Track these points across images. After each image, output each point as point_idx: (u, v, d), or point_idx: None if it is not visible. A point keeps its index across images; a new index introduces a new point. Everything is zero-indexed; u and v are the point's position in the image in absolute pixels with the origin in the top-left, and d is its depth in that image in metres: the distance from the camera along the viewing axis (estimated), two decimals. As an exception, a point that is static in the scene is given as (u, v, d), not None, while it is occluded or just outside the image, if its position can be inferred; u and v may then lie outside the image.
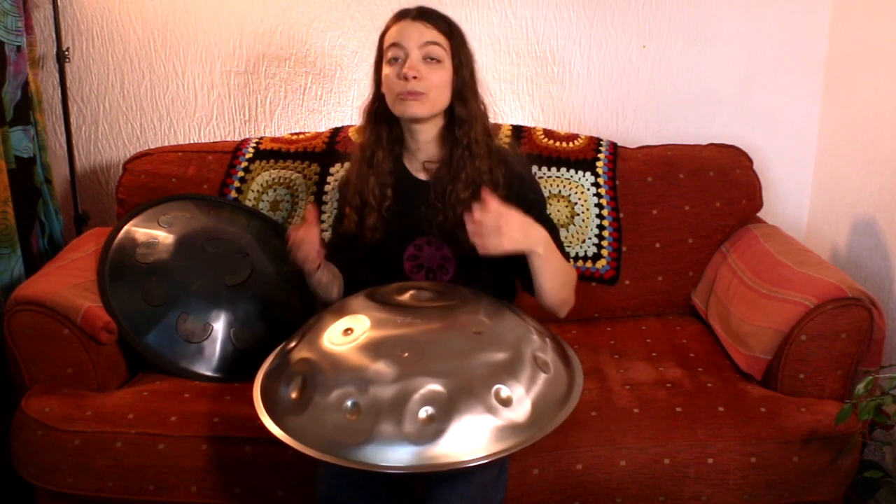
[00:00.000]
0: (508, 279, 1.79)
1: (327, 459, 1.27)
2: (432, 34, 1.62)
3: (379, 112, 1.71)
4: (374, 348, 1.35)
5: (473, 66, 1.69)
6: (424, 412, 1.27)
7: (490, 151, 1.68)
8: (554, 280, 1.58)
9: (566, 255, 1.72)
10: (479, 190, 1.61)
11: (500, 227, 1.43)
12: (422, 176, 1.73)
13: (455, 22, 1.69)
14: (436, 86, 1.62)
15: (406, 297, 1.52)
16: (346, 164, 2.02)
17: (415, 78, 1.59)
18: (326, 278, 1.71)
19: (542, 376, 1.38)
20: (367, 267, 1.79)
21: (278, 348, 1.55)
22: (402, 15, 1.66)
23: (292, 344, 1.48)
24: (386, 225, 1.72)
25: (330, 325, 1.44)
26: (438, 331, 1.41)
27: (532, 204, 1.67)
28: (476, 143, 1.65)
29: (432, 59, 1.62)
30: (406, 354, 1.33)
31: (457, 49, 1.65)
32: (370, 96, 1.73)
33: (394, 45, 1.63)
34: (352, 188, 1.74)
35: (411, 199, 1.72)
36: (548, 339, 1.49)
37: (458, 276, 1.72)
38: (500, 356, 1.36)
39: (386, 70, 1.65)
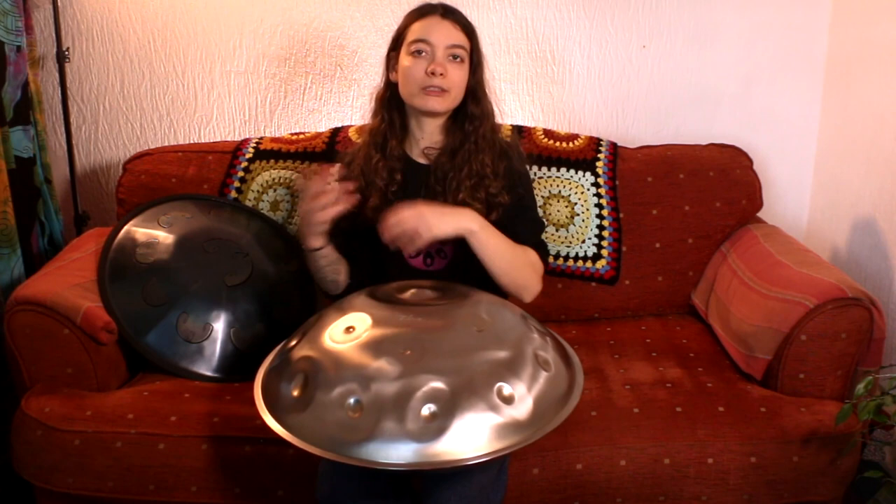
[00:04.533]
0: None
1: (329, 457, 1.27)
2: (459, 36, 1.69)
3: (391, 100, 1.76)
4: (376, 346, 1.35)
5: (484, 66, 1.76)
6: (427, 409, 1.27)
7: (494, 146, 1.75)
8: (499, 259, 1.63)
9: (545, 255, 1.78)
10: (481, 181, 1.70)
11: (416, 227, 1.53)
12: (422, 161, 1.77)
13: (471, 23, 1.75)
14: (457, 84, 1.69)
15: (407, 294, 1.52)
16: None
17: (441, 75, 1.65)
18: (335, 255, 1.73)
19: (544, 374, 1.38)
20: (367, 249, 1.80)
21: (279, 346, 1.55)
22: (429, 11, 1.72)
23: (293, 342, 1.48)
24: (388, 207, 1.74)
25: (331, 323, 1.44)
26: (440, 328, 1.41)
27: (520, 199, 1.75)
28: (484, 138, 1.73)
29: (456, 58, 1.69)
30: (408, 352, 1.33)
31: (475, 49, 1.73)
32: (382, 84, 1.79)
33: (421, 40, 1.68)
34: (357, 169, 1.77)
35: (412, 183, 1.76)
36: (548, 338, 1.49)
37: (456, 259, 1.74)
38: (502, 354, 1.36)
39: (407, 62, 1.69)
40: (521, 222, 1.72)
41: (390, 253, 1.75)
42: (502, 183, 1.72)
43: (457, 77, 1.69)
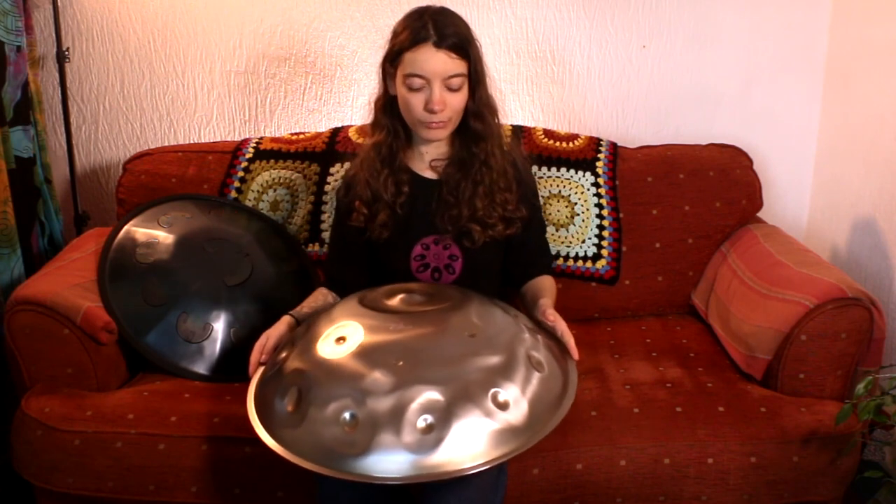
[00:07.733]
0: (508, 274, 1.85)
1: (325, 472, 1.26)
2: (454, 65, 1.61)
3: (394, 111, 1.70)
4: (369, 357, 1.34)
5: (486, 80, 1.70)
6: (423, 421, 1.27)
7: (505, 158, 1.75)
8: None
9: (550, 256, 1.91)
10: (494, 196, 1.72)
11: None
12: (429, 175, 1.76)
13: (469, 34, 1.66)
14: (457, 111, 1.66)
15: (396, 301, 1.51)
16: (346, 164, 2.02)
17: (441, 111, 1.62)
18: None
19: (537, 376, 1.37)
20: (373, 265, 1.80)
21: (270, 357, 1.54)
22: (422, 39, 1.60)
23: (284, 354, 1.46)
24: (395, 223, 1.73)
25: (322, 333, 1.43)
26: (432, 336, 1.40)
27: (535, 209, 1.81)
28: (492, 155, 1.71)
29: (453, 88, 1.63)
30: (401, 363, 1.32)
31: (473, 68, 1.65)
32: (380, 93, 1.72)
33: (416, 75, 1.60)
34: (362, 183, 1.73)
35: (420, 198, 1.74)
36: (539, 336, 1.49)
37: (465, 274, 1.74)
38: (495, 359, 1.36)
39: (404, 92, 1.63)
40: (545, 249, 1.81)
41: (398, 269, 1.75)
42: (517, 196, 1.73)
43: (456, 103, 1.64)
